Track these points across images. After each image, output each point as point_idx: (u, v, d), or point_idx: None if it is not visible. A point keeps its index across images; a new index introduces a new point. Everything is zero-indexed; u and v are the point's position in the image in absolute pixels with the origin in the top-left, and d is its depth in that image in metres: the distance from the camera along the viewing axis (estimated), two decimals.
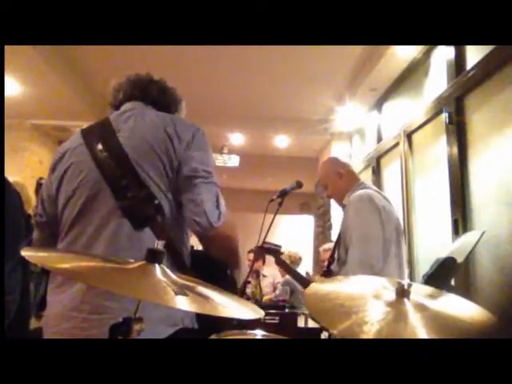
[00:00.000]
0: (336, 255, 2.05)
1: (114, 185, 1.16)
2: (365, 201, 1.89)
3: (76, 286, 1.11)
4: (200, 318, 1.20)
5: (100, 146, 1.21)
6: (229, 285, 1.29)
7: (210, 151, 1.28)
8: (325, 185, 2.16)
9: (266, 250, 2.08)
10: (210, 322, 1.02)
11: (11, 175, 1.23)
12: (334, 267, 2.09)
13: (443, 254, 1.79)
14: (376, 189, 2.08)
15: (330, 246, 3.92)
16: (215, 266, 1.25)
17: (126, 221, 1.13)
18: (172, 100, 1.38)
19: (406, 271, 1.97)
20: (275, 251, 2.09)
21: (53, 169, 1.29)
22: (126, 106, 1.32)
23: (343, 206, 2.05)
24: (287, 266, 2.09)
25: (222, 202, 1.21)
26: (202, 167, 1.19)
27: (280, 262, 2.10)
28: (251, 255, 4.30)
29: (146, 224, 1.14)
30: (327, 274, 2.11)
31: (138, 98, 1.32)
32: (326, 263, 2.46)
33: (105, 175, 1.18)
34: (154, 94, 1.34)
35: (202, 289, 0.78)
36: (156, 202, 1.16)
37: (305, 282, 1.99)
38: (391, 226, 1.87)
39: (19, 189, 2.64)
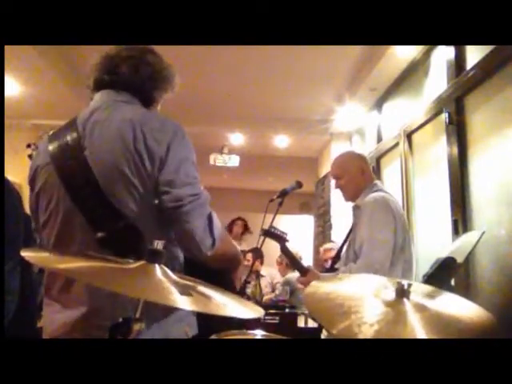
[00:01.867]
0: (343, 254, 2.05)
1: (89, 215, 1.06)
2: (381, 205, 1.87)
3: (69, 310, 1.07)
4: (199, 321, 1.17)
5: (69, 171, 1.08)
6: (226, 285, 1.28)
7: (190, 158, 1.12)
8: (339, 175, 2.08)
9: (271, 235, 2.05)
10: (210, 325, 1.01)
11: (11, 175, 1.22)
12: (339, 265, 2.08)
13: (443, 254, 1.79)
14: (387, 191, 2.06)
15: (332, 245, 3.92)
16: (213, 271, 1.22)
17: (107, 251, 1.01)
18: (146, 78, 1.19)
19: (413, 275, 1.97)
20: (280, 237, 2.06)
21: (30, 185, 1.20)
22: (96, 98, 1.18)
23: (355, 205, 2.03)
24: (291, 255, 2.07)
25: (216, 222, 1.10)
26: (186, 191, 1.06)
27: (285, 250, 2.08)
28: (249, 255, 4.31)
29: (128, 253, 0.98)
30: (331, 272, 2.11)
31: (109, 84, 1.17)
32: (329, 262, 2.45)
33: (78, 205, 1.07)
34: (126, 75, 1.17)
35: (203, 289, 0.78)
36: (136, 230, 1.05)
37: (304, 270, 1.98)
38: (403, 232, 1.87)
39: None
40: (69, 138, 1.12)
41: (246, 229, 5.74)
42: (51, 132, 1.21)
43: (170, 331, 1.07)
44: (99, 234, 1.04)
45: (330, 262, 2.41)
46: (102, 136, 1.09)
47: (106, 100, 1.16)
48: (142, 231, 1.05)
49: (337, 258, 2.15)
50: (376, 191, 1.96)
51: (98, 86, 1.19)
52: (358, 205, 1.99)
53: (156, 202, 1.07)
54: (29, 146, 4.44)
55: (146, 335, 0.97)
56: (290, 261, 2.11)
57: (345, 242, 2.13)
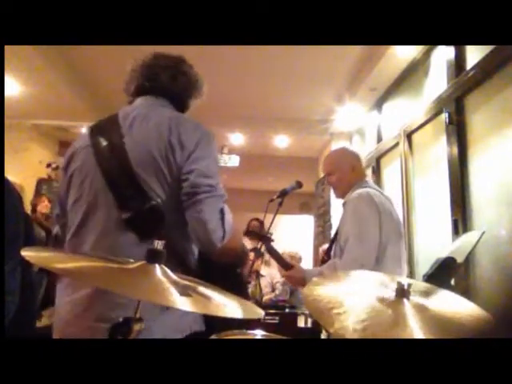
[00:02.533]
0: (332, 252, 2.05)
1: (119, 194, 1.14)
2: (364, 200, 1.86)
3: (81, 291, 1.10)
4: (207, 318, 1.19)
5: (107, 153, 1.19)
6: (238, 284, 1.30)
7: (214, 158, 1.23)
8: (331, 171, 2.09)
9: (255, 235, 2.04)
10: (217, 323, 1.02)
11: (11, 175, 1.22)
12: None
13: (443, 254, 1.79)
14: (377, 188, 2.06)
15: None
16: (222, 265, 1.24)
17: (129, 232, 1.11)
18: (183, 87, 1.32)
19: (405, 272, 1.96)
20: (263, 237, 2.05)
21: (64, 169, 1.28)
22: (137, 102, 1.29)
23: (344, 202, 2.04)
24: (276, 254, 2.06)
25: (228, 217, 1.17)
26: (204, 181, 1.14)
27: (270, 249, 2.07)
28: (251, 254, 4.30)
29: (150, 236, 1.09)
30: None
31: (149, 90, 1.29)
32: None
33: (109, 184, 1.16)
34: (164, 83, 1.29)
35: (203, 289, 0.78)
36: (160, 214, 1.13)
37: (289, 266, 1.97)
38: (389, 228, 1.85)
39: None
40: (109, 126, 1.24)
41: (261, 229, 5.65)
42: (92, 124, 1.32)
43: (178, 323, 1.11)
44: (125, 214, 1.12)
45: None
46: (141, 127, 1.20)
47: (145, 103, 1.28)
48: (165, 215, 1.13)
49: (328, 256, 2.14)
50: (364, 187, 1.95)
51: (139, 91, 1.31)
52: (345, 201, 2.00)
53: (178, 191, 1.15)
54: (49, 165, 4.47)
55: (156, 324, 1.03)
56: (275, 259, 2.09)
57: (333, 239, 2.13)
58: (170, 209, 1.14)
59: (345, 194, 2.04)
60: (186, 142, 1.17)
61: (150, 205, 1.12)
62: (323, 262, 2.16)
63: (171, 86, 1.30)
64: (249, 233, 2.03)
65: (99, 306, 1.07)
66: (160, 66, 1.30)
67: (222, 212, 1.15)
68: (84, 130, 5.36)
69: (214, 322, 1.05)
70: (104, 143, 1.20)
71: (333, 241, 2.14)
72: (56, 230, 1.35)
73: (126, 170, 1.15)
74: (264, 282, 4.72)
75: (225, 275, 1.20)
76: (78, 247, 1.16)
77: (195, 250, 1.23)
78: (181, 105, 1.34)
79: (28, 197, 4.39)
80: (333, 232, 4.79)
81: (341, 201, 2.15)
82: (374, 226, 1.80)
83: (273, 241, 2.07)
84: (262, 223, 5.64)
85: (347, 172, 2.04)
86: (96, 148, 1.21)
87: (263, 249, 2.19)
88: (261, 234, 2.03)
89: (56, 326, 1.15)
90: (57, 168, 4.24)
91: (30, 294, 1.41)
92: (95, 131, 1.26)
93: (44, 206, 4.31)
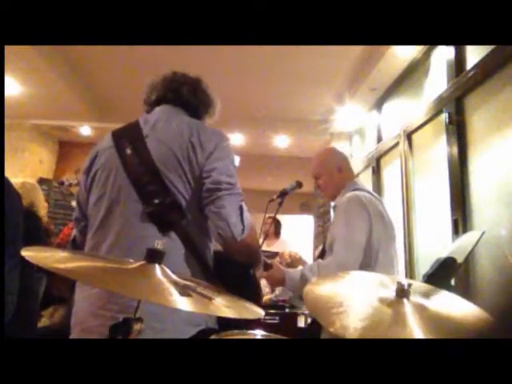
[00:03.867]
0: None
1: (141, 190, 1.19)
2: (354, 204, 1.82)
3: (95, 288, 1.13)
4: (220, 317, 1.21)
5: (129, 151, 1.25)
6: (252, 284, 1.31)
7: (232, 160, 1.31)
8: (318, 174, 2.06)
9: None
10: (230, 322, 1.03)
11: (11, 175, 1.23)
12: None
13: (443, 254, 1.79)
14: (367, 189, 2.02)
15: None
16: (238, 266, 1.27)
17: (151, 225, 1.16)
18: (201, 102, 1.42)
19: (396, 274, 1.93)
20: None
21: (87, 171, 1.32)
22: (157, 110, 1.36)
23: (334, 205, 2.01)
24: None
25: (247, 214, 1.23)
26: (225, 179, 1.22)
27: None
28: None
29: (172, 229, 1.16)
30: None
31: (170, 100, 1.37)
32: None
33: (132, 180, 1.21)
34: (185, 96, 1.38)
35: (203, 289, 0.78)
36: (181, 208, 1.18)
37: (268, 266, 1.94)
38: (381, 231, 1.81)
39: (30, 190, 2.64)
40: (130, 128, 1.31)
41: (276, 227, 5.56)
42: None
43: (193, 316, 1.13)
44: (148, 208, 1.17)
45: None
46: (163, 128, 1.27)
47: (165, 110, 1.35)
48: (185, 211, 1.19)
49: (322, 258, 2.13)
50: (353, 190, 1.91)
51: (160, 100, 1.38)
52: (336, 205, 1.97)
53: (198, 189, 1.21)
54: (62, 183, 4.48)
55: (170, 315, 1.08)
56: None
57: (325, 243, 2.11)
58: (190, 205, 1.20)
59: (334, 196, 2.01)
60: (206, 143, 1.24)
61: (171, 199, 1.17)
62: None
63: (191, 99, 1.39)
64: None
65: (121, 297, 1.08)
66: (180, 81, 1.40)
67: (241, 208, 1.21)
68: (84, 129, 5.36)
69: (229, 322, 1.07)
70: (126, 143, 1.26)
71: (323, 245, 2.13)
72: (74, 233, 1.39)
73: (148, 167, 1.20)
74: (263, 282, 4.71)
75: (238, 275, 1.24)
76: (101, 241, 1.20)
77: (211, 246, 1.28)
78: (197, 118, 1.41)
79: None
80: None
81: None
82: (362, 231, 1.77)
83: (271, 267, 2.02)
84: (278, 222, 5.59)
85: (334, 173, 2.00)
86: (119, 148, 1.27)
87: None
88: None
89: (77, 321, 1.16)
90: (70, 185, 4.31)
91: (29, 295, 1.41)
92: (117, 134, 1.33)
93: (42, 206, 4.30)
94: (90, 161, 1.33)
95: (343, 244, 1.75)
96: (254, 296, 0.94)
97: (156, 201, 1.18)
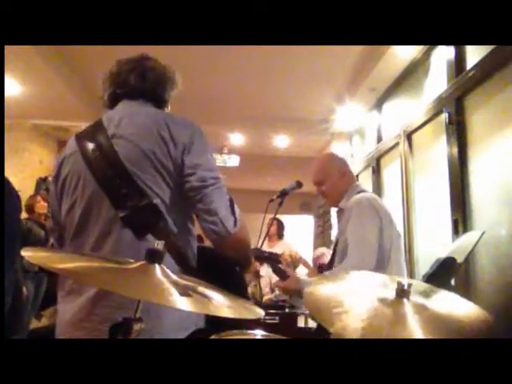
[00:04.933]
0: (336, 261, 2.02)
1: (113, 194, 1.14)
2: (366, 207, 1.83)
3: (84, 294, 1.10)
4: (207, 316, 1.19)
5: (95, 154, 1.18)
6: (237, 281, 1.29)
7: (211, 151, 1.25)
8: (321, 181, 2.05)
9: (263, 258, 1.99)
10: (218, 321, 1.03)
11: (11, 175, 1.22)
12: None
13: (443, 254, 1.79)
14: (369, 191, 2.03)
15: (323, 251, 3.89)
16: (223, 263, 1.24)
17: (128, 230, 1.11)
18: (155, 83, 1.29)
19: (405, 274, 1.94)
20: (271, 259, 2.00)
21: (55, 179, 1.27)
22: (119, 106, 1.28)
23: (339, 209, 2.01)
24: (280, 271, 2.00)
25: (236, 206, 1.20)
26: (210, 174, 1.17)
27: (276, 271, 2.01)
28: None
29: (148, 231, 1.12)
30: None
31: (122, 96, 1.28)
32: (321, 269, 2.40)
33: (103, 185, 1.15)
34: (135, 85, 1.27)
35: (203, 289, 0.78)
36: (157, 209, 1.13)
37: (283, 276, 1.93)
38: (391, 232, 1.83)
39: None
40: (94, 130, 1.23)
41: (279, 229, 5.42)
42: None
43: (189, 316, 1.11)
44: (122, 213, 1.12)
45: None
46: (129, 126, 1.19)
47: (127, 105, 1.27)
48: (161, 211, 1.14)
49: (330, 265, 2.11)
50: (358, 192, 1.92)
51: (113, 100, 1.30)
52: (342, 208, 1.96)
53: (175, 186, 1.15)
54: (44, 179, 4.49)
55: (168, 314, 1.07)
56: (278, 275, 2.03)
57: (334, 249, 2.10)
58: (167, 204, 1.15)
59: (337, 201, 2.00)
60: (178, 136, 1.16)
61: (146, 201, 1.12)
62: (320, 267, 2.14)
63: (143, 86, 1.28)
64: (257, 258, 1.97)
65: (103, 308, 1.07)
66: (126, 70, 1.29)
67: (230, 200, 1.19)
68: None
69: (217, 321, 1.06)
70: (91, 146, 1.19)
71: (334, 252, 2.12)
72: (52, 241, 1.36)
73: (117, 169, 1.14)
74: (263, 282, 4.71)
75: (224, 272, 1.21)
76: (79, 250, 1.16)
77: (194, 243, 1.24)
78: (158, 100, 1.31)
79: (27, 197, 4.38)
80: (332, 232, 4.80)
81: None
82: (374, 233, 1.77)
83: (280, 262, 2.01)
84: (280, 223, 5.56)
85: (337, 179, 2.00)
86: (84, 152, 1.20)
87: (265, 272, 2.13)
88: (267, 256, 1.98)
89: (60, 331, 1.14)
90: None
91: (18, 296, 1.40)
92: (81, 137, 1.25)
93: (41, 206, 4.31)
94: (57, 168, 1.26)
95: (358, 247, 1.76)
96: (240, 295, 0.91)
97: (129, 204, 1.11)
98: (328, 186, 2.02)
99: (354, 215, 1.84)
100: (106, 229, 1.13)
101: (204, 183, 1.15)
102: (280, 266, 2.03)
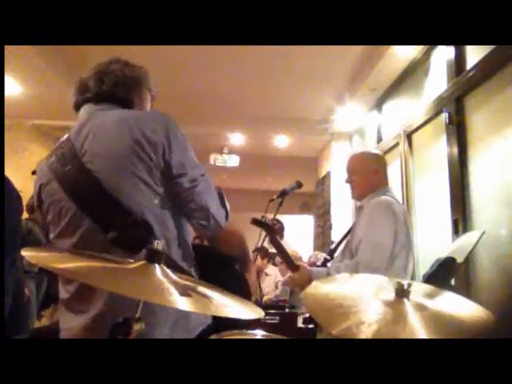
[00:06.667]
0: (339, 253, 2.03)
1: (97, 218, 1.08)
2: (383, 207, 1.84)
3: (90, 312, 1.07)
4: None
5: (72, 181, 1.11)
6: (236, 279, 1.29)
7: (188, 142, 1.18)
8: (354, 170, 2.04)
9: (258, 224, 1.95)
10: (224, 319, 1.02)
11: (11, 175, 1.22)
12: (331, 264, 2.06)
13: (443, 254, 1.79)
14: (396, 198, 2.02)
15: (318, 256, 3.88)
16: (220, 261, 1.25)
17: (120, 251, 1.05)
18: (112, 85, 1.23)
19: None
20: (269, 228, 1.96)
21: (38, 208, 1.22)
22: (79, 116, 1.23)
23: (359, 205, 2.01)
24: (281, 248, 1.99)
25: (225, 198, 1.22)
26: (198, 172, 1.16)
27: (274, 242, 1.99)
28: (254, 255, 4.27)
29: (142, 248, 1.03)
30: None
31: (84, 101, 1.25)
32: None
33: (84, 210, 1.09)
34: (95, 89, 1.23)
35: (203, 289, 0.78)
36: (146, 223, 1.08)
37: (295, 266, 1.92)
38: (403, 240, 1.83)
39: None
40: (64, 150, 1.16)
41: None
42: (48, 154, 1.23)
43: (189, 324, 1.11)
44: (110, 235, 1.06)
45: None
46: (98, 139, 1.13)
47: (89, 111, 1.21)
48: (151, 224, 1.09)
49: (331, 256, 2.12)
50: (385, 195, 1.92)
51: (78, 108, 1.27)
52: (362, 206, 1.97)
53: (164, 191, 1.11)
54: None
55: (173, 312, 1.05)
56: (280, 254, 2.02)
57: (340, 241, 2.10)
58: (155, 213, 1.10)
59: (362, 196, 2.00)
60: (152, 135, 1.10)
61: (132, 217, 1.07)
62: (325, 261, 2.14)
63: (101, 89, 1.22)
64: (254, 221, 1.93)
65: (101, 328, 1.05)
66: (89, 76, 1.26)
67: (219, 194, 1.20)
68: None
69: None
70: (65, 169, 1.13)
71: (339, 243, 2.12)
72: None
73: (95, 190, 1.08)
74: (269, 280, 4.71)
75: (222, 269, 1.22)
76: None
77: (189, 239, 1.22)
78: (123, 102, 1.24)
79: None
80: (333, 232, 4.80)
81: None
82: (389, 236, 1.78)
83: (277, 233, 1.99)
84: (281, 223, 5.52)
85: (370, 173, 1.99)
86: (58, 177, 1.13)
87: (266, 242, 2.11)
88: (265, 224, 1.94)
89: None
90: None
91: (19, 296, 1.39)
92: (52, 159, 1.18)
93: None
94: (36, 197, 1.21)
95: (369, 246, 1.76)
96: (241, 294, 0.87)
97: (116, 225, 1.06)
98: (359, 177, 2.02)
99: (370, 214, 1.85)
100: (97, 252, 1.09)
101: (194, 183, 1.15)
102: (290, 255, 2.02)
